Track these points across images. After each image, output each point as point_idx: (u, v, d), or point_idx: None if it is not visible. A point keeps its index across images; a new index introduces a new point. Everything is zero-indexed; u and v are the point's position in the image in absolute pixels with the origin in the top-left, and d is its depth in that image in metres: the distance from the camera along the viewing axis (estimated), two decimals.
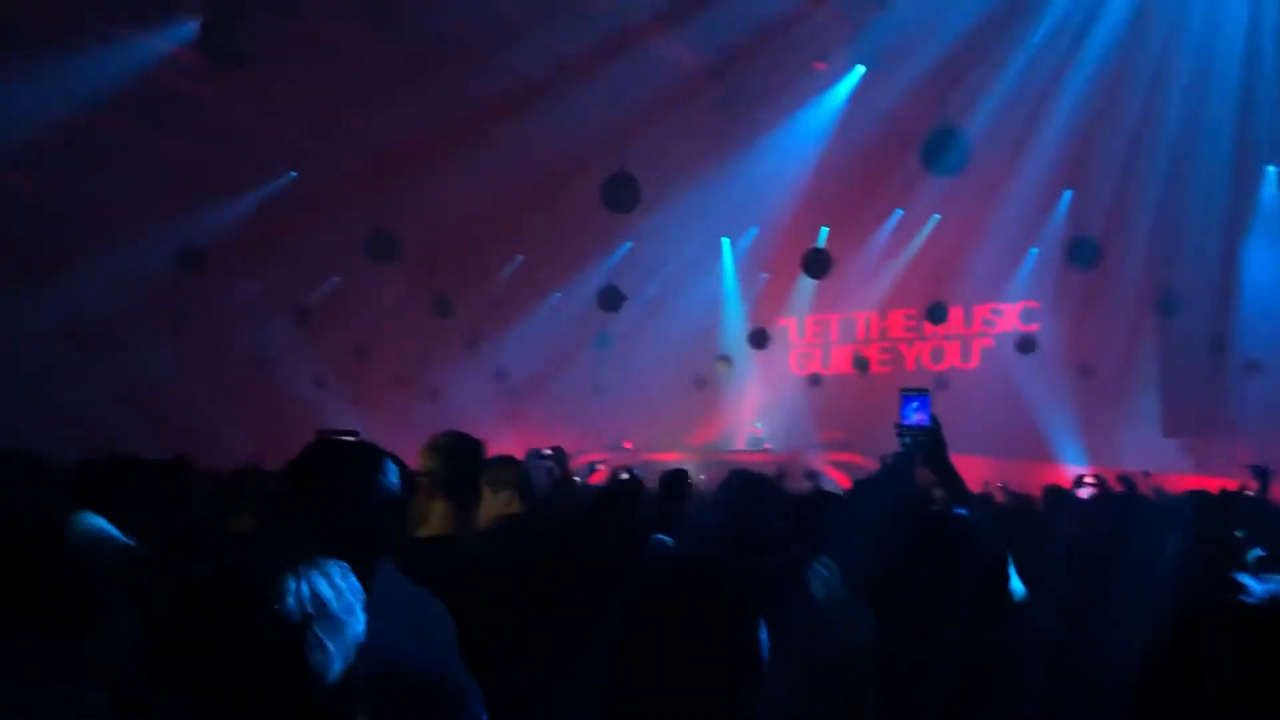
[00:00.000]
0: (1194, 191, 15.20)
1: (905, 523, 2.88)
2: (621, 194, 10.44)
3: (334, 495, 1.95)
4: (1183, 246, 15.57)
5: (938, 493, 3.70)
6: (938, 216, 19.09)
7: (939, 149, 9.53)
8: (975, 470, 13.88)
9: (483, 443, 3.28)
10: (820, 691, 1.97)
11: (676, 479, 5.82)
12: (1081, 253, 12.68)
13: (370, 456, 2.02)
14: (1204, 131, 14.43)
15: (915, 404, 3.12)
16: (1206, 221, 15.44)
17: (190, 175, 14.85)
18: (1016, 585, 2.97)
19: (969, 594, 2.62)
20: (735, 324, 20.70)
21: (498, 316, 19.34)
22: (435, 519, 3.03)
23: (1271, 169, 15.94)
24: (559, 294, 20.10)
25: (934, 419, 3.10)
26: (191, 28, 7.19)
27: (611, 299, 14.49)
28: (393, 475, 1.99)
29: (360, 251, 13.21)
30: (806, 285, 19.90)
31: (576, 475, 10.63)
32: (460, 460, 3.13)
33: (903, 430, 3.11)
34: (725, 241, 21.55)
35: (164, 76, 12.28)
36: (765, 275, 21.48)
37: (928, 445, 3.06)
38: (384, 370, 18.73)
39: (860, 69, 14.94)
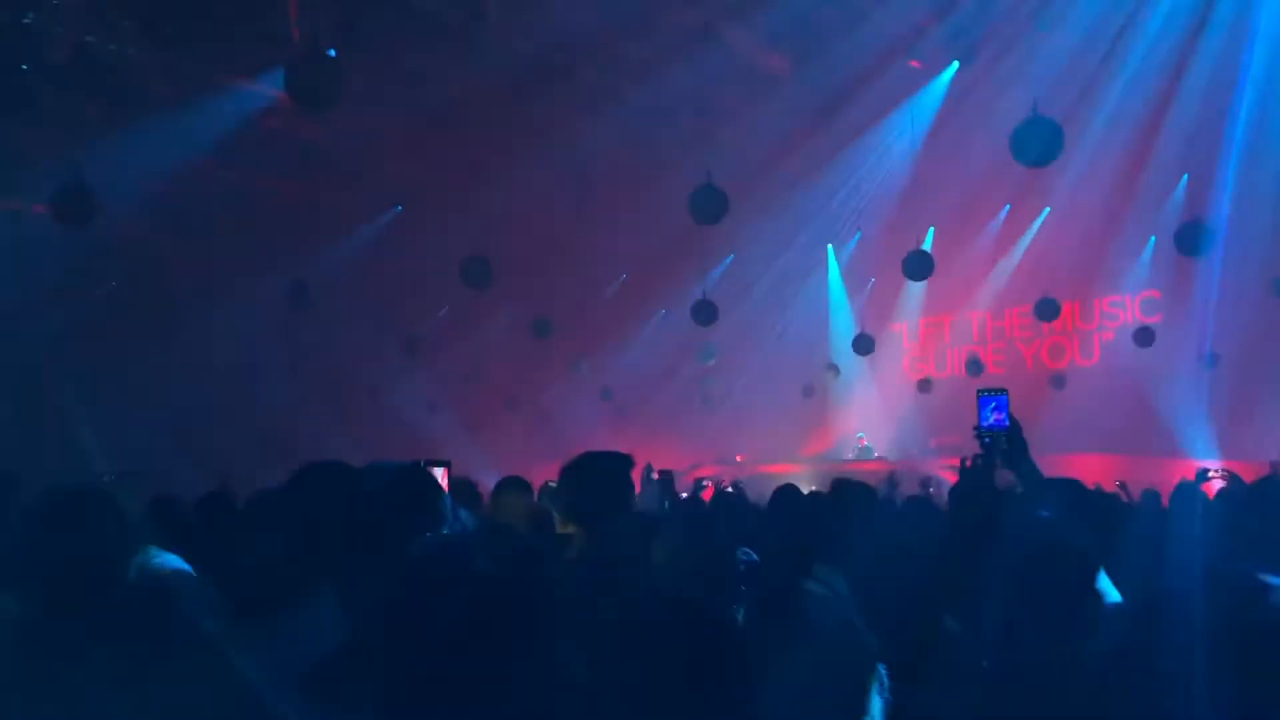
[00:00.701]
0: None
1: (986, 530, 2.83)
2: (708, 205, 10.46)
3: None
4: None
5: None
6: (1048, 209, 18.57)
7: (1028, 140, 9.30)
8: (1098, 469, 13.44)
9: (621, 460, 3.29)
10: (819, 708, 1.97)
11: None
12: (1193, 239, 12.16)
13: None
14: None
15: (993, 404, 3.06)
16: None
17: (300, 215, 15.44)
18: (1107, 590, 2.88)
19: (1053, 601, 2.56)
20: (844, 331, 20.45)
21: (603, 335, 19.52)
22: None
23: None
24: (664, 310, 20.19)
25: (1012, 419, 3.03)
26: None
27: (706, 313, 14.51)
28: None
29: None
30: (916, 288, 19.56)
31: (684, 492, 10.65)
32: (582, 483, 3.17)
33: (981, 432, 3.05)
34: (830, 248, 21.35)
35: (269, 120, 12.83)
36: (873, 280, 21.20)
37: (1006, 446, 3.00)
38: (494, 394, 19.10)
39: (955, 64, 14.66)
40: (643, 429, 19.46)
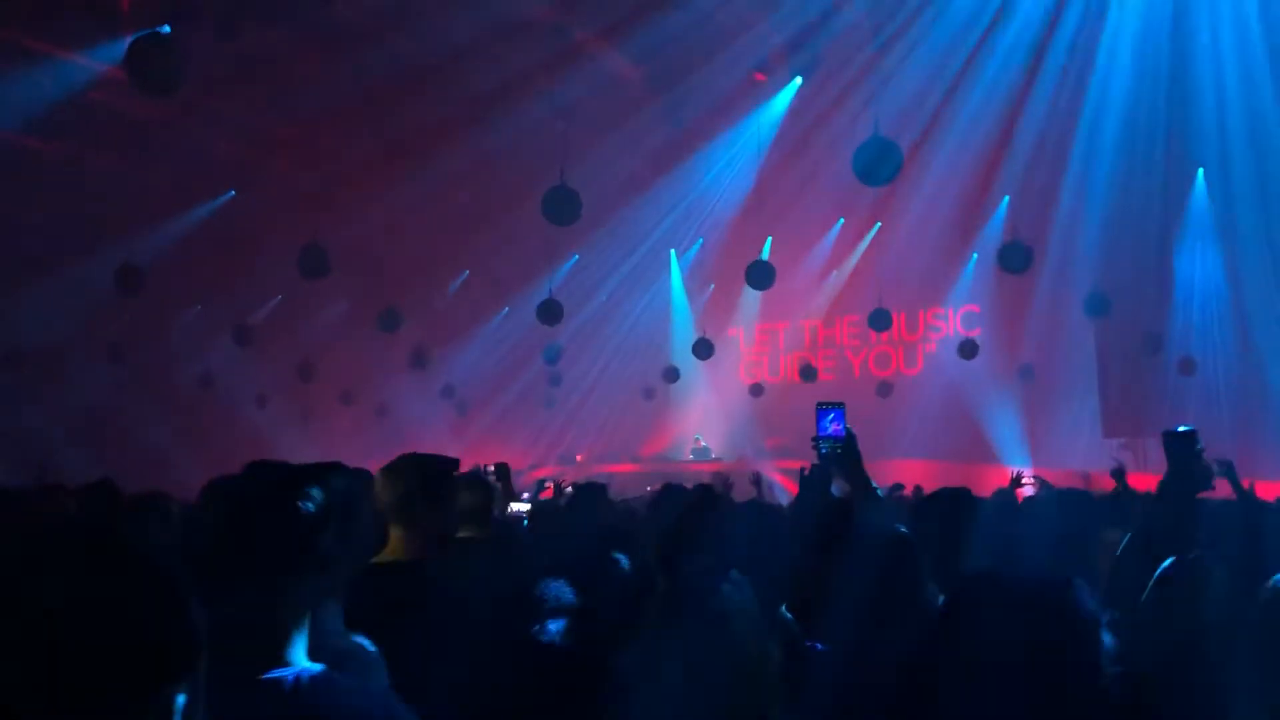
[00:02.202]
0: (1128, 195, 15.55)
1: (830, 536, 2.95)
2: (561, 207, 10.49)
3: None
4: (1118, 249, 15.93)
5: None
6: (879, 224, 19.37)
7: (871, 160, 9.70)
8: (919, 473, 14.11)
9: (447, 462, 3.24)
10: (723, 710, 2.01)
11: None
12: (1013, 258, 12.94)
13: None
14: (1137, 136, 14.76)
15: (831, 415, 3.21)
16: (1141, 224, 15.81)
17: (127, 195, 14.65)
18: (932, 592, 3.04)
19: (891, 605, 2.69)
20: (684, 335, 20.80)
21: (445, 332, 19.29)
22: (391, 545, 3.01)
23: (1201, 171, 16.34)
24: (507, 309, 20.09)
25: (848, 430, 3.18)
26: (123, 47, 7.12)
27: (551, 313, 14.53)
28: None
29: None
30: (753, 295, 20.07)
31: (525, 492, 10.64)
32: (410, 483, 3.10)
33: (818, 441, 3.19)
34: (672, 253, 21.68)
35: (99, 95, 12.13)
36: (713, 286, 21.65)
37: (842, 455, 3.14)
38: (329, 388, 18.59)
39: (798, 80, 15.13)
40: (484, 427, 19.32)
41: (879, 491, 3.63)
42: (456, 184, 15.72)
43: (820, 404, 3.29)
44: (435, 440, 17.24)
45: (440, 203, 16.26)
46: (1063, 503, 4.69)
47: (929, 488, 10.10)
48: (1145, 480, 8.14)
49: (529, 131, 14.33)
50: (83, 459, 11.38)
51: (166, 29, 7.70)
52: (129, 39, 7.41)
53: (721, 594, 2.26)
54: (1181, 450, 3.55)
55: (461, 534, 3.42)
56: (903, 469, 14.39)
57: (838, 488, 3.50)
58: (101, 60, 10.64)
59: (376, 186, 15.20)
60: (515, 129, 14.31)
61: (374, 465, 3.33)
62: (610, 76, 14.37)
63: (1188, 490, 3.65)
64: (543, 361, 18.83)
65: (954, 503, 3.24)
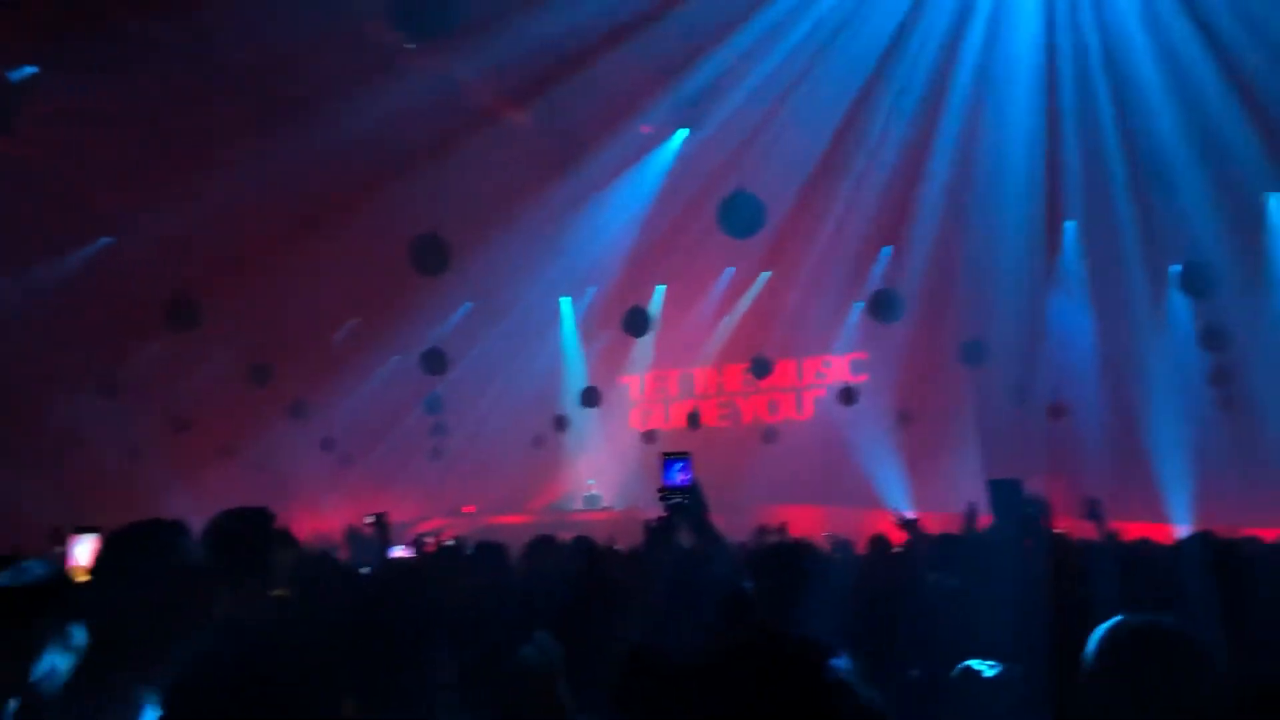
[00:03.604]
0: (1002, 246, 16.13)
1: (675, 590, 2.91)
2: (430, 256, 10.35)
3: None
4: (993, 299, 16.48)
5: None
6: (768, 273, 19.68)
7: (733, 213, 9.83)
8: (807, 519, 14.25)
9: (262, 517, 3.10)
10: None
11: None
12: (884, 307, 13.25)
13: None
14: (1010, 189, 15.35)
15: (678, 465, 3.18)
16: (1014, 274, 16.39)
17: None
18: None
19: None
20: (576, 383, 20.74)
21: (329, 382, 18.81)
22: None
23: (1070, 224, 17.04)
24: (396, 357, 19.74)
25: (694, 480, 3.16)
26: None
27: (435, 362, 14.31)
28: None
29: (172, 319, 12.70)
30: (646, 343, 20.16)
31: (403, 545, 10.37)
32: (229, 541, 2.97)
33: (665, 492, 3.16)
34: (565, 301, 21.66)
35: None
36: (606, 334, 21.67)
37: (689, 506, 3.12)
38: (207, 441, 17.94)
39: (684, 131, 15.36)
40: (368, 479, 18.87)
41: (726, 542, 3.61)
42: (348, 229, 15.45)
43: (666, 454, 3.27)
44: (315, 492, 16.78)
45: (327, 250, 15.95)
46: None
47: (816, 532, 10.17)
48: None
49: (420, 178, 14.20)
50: None
51: (22, 71, 7.40)
52: None
53: (518, 657, 2.20)
54: (1006, 497, 3.63)
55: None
56: (789, 514, 14.50)
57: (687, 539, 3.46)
58: None
59: (259, 234, 14.84)
60: (405, 175, 14.18)
61: None
62: (500, 124, 14.37)
63: (1015, 534, 3.73)
64: (426, 411, 18.53)
65: (790, 557, 3.23)
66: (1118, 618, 2.10)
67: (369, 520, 8.06)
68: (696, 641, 2.70)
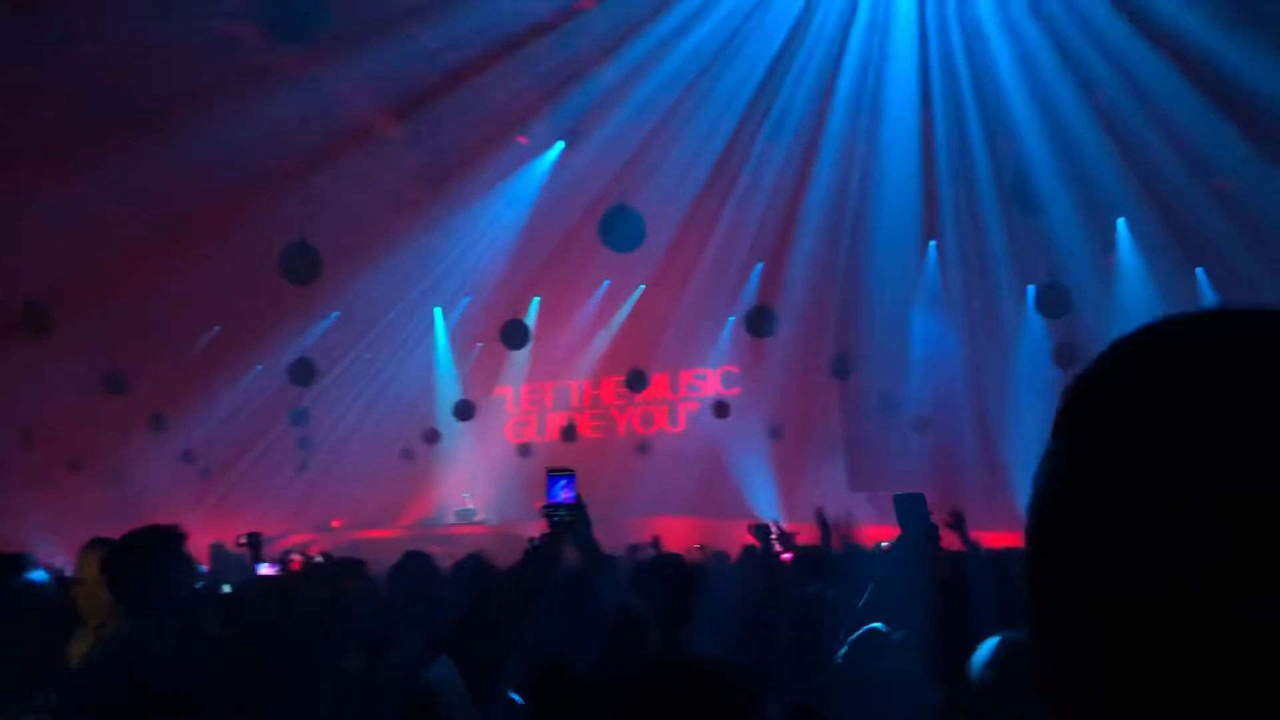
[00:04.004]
0: (870, 264, 16.62)
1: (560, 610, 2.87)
2: (299, 264, 10.07)
3: None
4: (861, 315, 16.95)
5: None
6: (644, 286, 19.80)
7: (612, 226, 9.87)
8: (681, 531, 14.33)
9: (161, 537, 2.92)
10: None
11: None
12: (758, 322, 13.49)
13: None
14: (879, 208, 15.82)
15: (561, 482, 3.15)
16: (881, 291, 16.89)
17: None
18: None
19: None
20: (449, 394, 20.45)
21: (189, 392, 18.08)
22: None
23: (933, 244, 17.66)
24: (260, 367, 19.10)
25: (578, 497, 3.13)
26: None
27: (303, 373, 13.91)
28: None
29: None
30: (522, 354, 20.01)
31: (268, 563, 10.00)
32: (134, 564, 2.80)
33: (549, 509, 3.12)
34: (438, 311, 21.35)
35: None
36: (480, 345, 21.43)
37: (574, 523, 3.08)
38: (56, 453, 17.02)
39: (560, 144, 15.34)
40: (231, 493, 18.18)
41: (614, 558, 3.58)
42: (206, 238, 14.89)
43: (550, 469, 3.22)
44: (175, 508, 16.08)
45: (188, 257, 15.35)
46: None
47: (688, 544, 10.23)
48: (885, 533, 8.56)
49: (289, 184, 13.80)
50: None
51: None
52: None
53: (425, 676, 2.14)
54: (911, 510, 3.70)
55: None
56: (662, 526, 14.57)
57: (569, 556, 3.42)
58: None
59: (115, 239, 14.18)
60: (274, 181, 13.76)
61: (110, 535, 3.02)
62: (371, 128, 14.10)
63: (919, 546, 3.82)
64: (292, 423, 18.00)
65: (677, 574, 3.23)
66: (1001, 635, 2.14)
67: (241, 540, 7.82)
68: (589, 662, 2.66)
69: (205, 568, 8.54)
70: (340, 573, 5.33)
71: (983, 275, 16.48)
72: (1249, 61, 11.36)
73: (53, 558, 11.82)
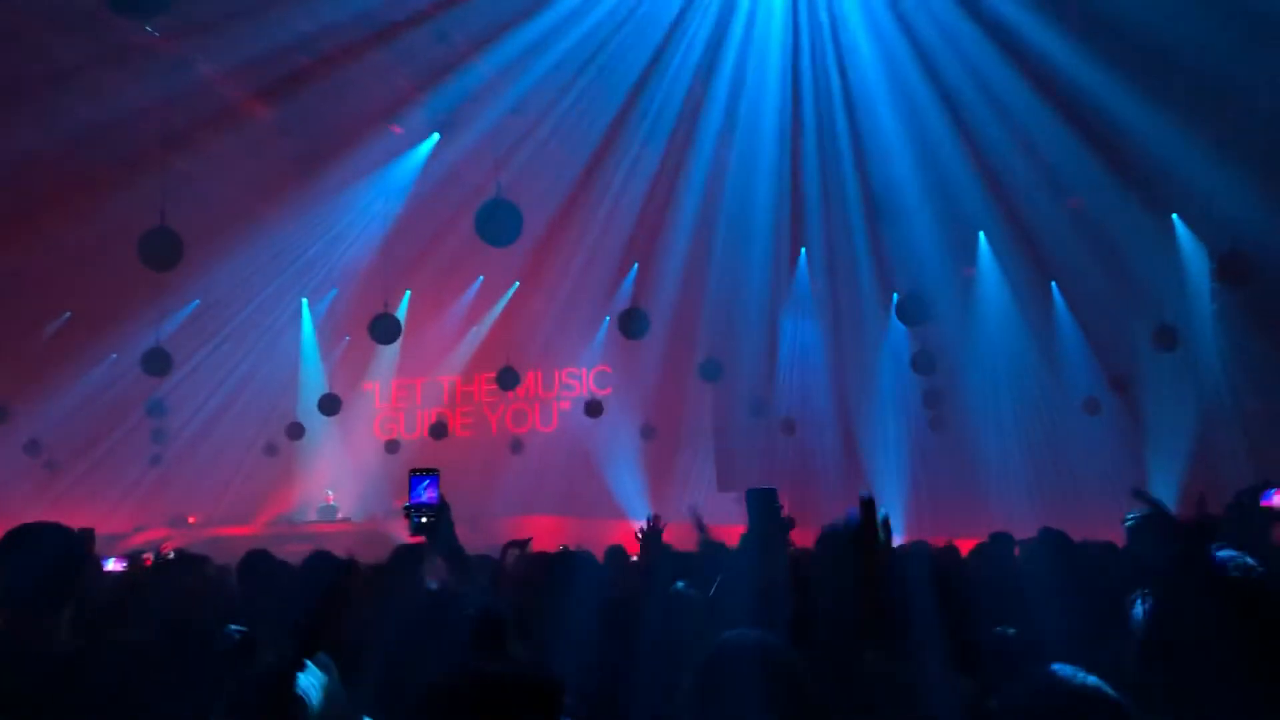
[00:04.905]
0: (742, 269, 16.91)
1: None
2: (159, 250, 9.67)
3: None
4: (732, 320, 17.23)
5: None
6: (518, 283, 19.68)
7: (489, 220, 9.81)
8: (552, 530, 14.31)
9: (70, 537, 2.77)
10: None
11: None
12: (631, 323, 13.59)
13: None
14: (751, 216, 16.09)
15: (425, 483, 3.11)
16: (751, 298, 17.21)
17: None
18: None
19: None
20: (314, 388, 19.91)
21: (35, 380, 17.15)
22: None
23: (804, 251, 18.07)
24: (114, 355, 18.25)
25: (441, 498, 3.10)
26: None
27: (157, 362, 13.37)
28: None
29: None
30: (391, 349, 19.63)
31: (116, 558, 9.60)
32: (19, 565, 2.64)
33: (411, 510, 3.08)
34: (304, 302, 20.77)
35: None
36: (348, 338, 20.94)
37: (436, 525, 3.05)
38: None
39: (435, 135, 15.13)
40: (78, 486, 17.33)
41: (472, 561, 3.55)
42: (59, 218, 14.17)
43: (413, 470, 3.18)
44: (19, 502, 15.26)
45: (40, 240, 14.57)
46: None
47: (559, 543, 10.21)
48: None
49: (148, 166, 13.24)
50: None
51: None
52: None
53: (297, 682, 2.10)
54: (762, 505, 3.76)
55: None
56: (534, 525, 14.52)
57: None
58: None
59: None
60: (133, 161, 13.18)
61: None
62: (236, 110, 13.63)
63: (771, 541, 3.89)
64: (148, 414, 17.28)
65: (542, 575, 3.23)
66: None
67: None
68: (446, 666, 2.63)
69: None
70: (184, 569, 5.15)
71: (849, 283, 16.95)
72: (1103, 83, 11.98)
73: None
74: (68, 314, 18.06)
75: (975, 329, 16.74)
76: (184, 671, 2.64)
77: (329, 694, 2.47)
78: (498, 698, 1.67)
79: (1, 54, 11.29)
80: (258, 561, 5.08)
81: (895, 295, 15.34)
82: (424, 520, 3.07)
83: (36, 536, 2.72)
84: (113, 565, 7.95)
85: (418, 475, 3.16)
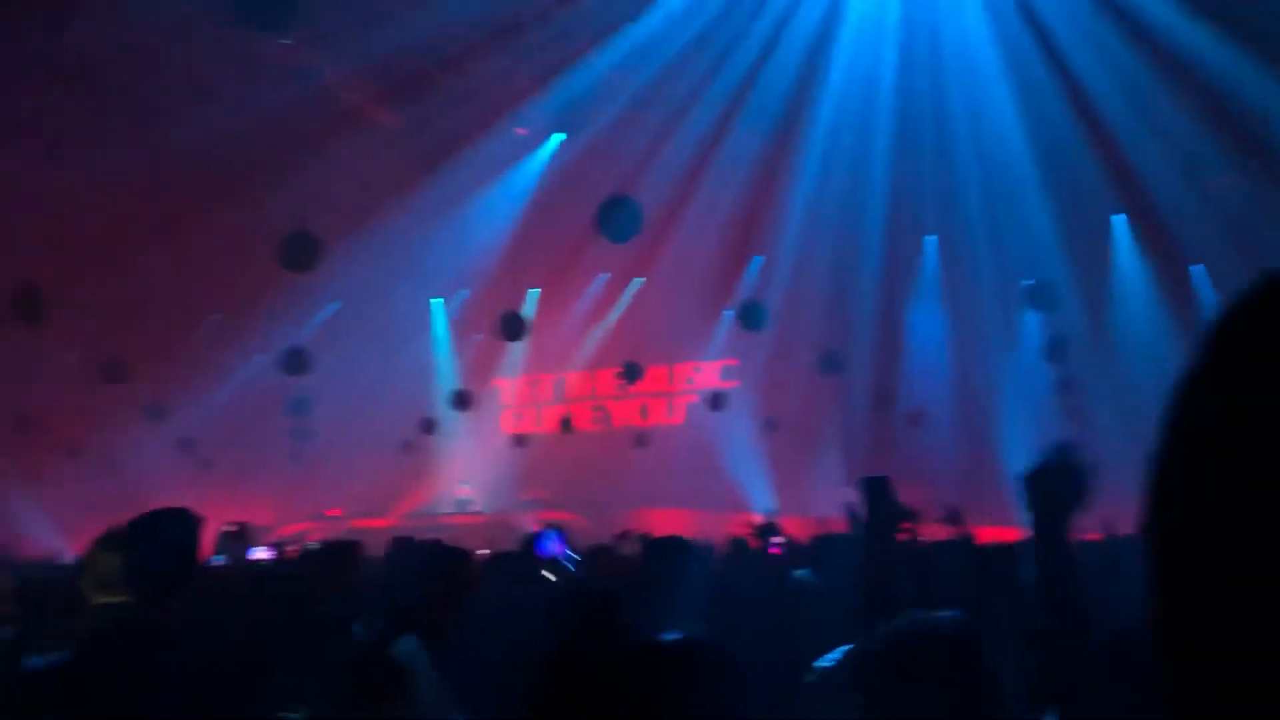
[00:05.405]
0: (863, 259, 16.69)
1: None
2: (299, 252, 10.13)
3: None
4: (854, 309, 17.02)
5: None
6: (641, 279, 19.85)
7: (611, 216, 9.93)
8: (675, 523, 14.40)
9: (190, 519, 2.99)
10: None
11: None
12: (750, 315, 13.55)
13: None
14: (870, 203, 15.88)
15: (551, 537, 3.20)
16: (874, 286, 16.97)
17: None
18: None
19: None
20: (447, 385, 20.50)
21: (187, 380, 18.13)
22: None
23: (930, 239, 17.73)
24: (261, 356, 19.14)
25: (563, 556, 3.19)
26: None
27: (296, 362, 13.97)
28: None
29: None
30: (518, 346, 20.07)
31: (264, 548, 10.12)
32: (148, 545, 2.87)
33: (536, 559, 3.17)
34: (438, 303, 21.41)
35: None
36: (479, 336, 21.47)
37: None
38: (53, 442, 17.08)
39: (560, 136, 15.39)
40: (227, 482, 18.24)
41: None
42: (215, 227, 14.96)
43: (544, 523, 3.31)
44: (171, 496, 16.13)
45: (190, 245, 15.42)
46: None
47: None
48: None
49: (289, 174, 13.86)
50: None
51: None
52: None
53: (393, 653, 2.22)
54: (877, 495, 3.75)
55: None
56: (658, 518, 14.66)
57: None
58: None
59: (116, 228, 14.26)
60: (268, 172, 13.82)
61: (104, 522, 3.09)
62: (371, 123, 14.16)
63: (887, 532, 3.89)
64: (290, 412, 18.07)
65: (666, 554, 3.30)
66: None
67: (230, 527, 7.96)
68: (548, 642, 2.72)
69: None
70: (334, 554, 5.43)
71: (975, 270, 16.54)
72: (1243, 61, 11.43)
73: (52, 542, 11.93)
74: (216, 316, 19.01)
75: (1110, 315, 16.13)
76: (289, 651, 2.80)
77: (421, 670, 2.61)
78: (680, 666, 1.68)
79: (149, 74, 11.95)
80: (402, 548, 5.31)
81: (1023, 282, 14.92)
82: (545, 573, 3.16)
83: (164, 521, 2.91)
84: (259, 554, 8.38)
85: (545, 529, 3.26)
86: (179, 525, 2.91)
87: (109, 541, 3.04)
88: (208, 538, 10.24)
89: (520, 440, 20.45)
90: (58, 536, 12.18)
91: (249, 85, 12.22)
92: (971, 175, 14.97)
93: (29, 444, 16.75)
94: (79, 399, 16.58)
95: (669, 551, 3.52)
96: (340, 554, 5.45)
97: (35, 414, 16.60)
